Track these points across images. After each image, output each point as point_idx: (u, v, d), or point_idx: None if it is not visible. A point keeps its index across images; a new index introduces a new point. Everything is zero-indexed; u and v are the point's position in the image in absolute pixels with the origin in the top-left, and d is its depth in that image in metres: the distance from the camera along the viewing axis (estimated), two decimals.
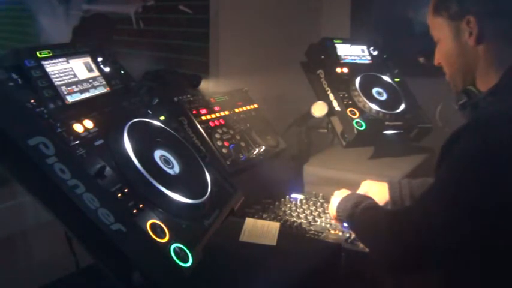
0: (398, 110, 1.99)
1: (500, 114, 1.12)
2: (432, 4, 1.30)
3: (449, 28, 1.25)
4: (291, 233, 1.52)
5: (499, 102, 1.16)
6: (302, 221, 1.63)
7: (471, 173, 1.08)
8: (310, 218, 1.64)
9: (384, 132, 1.95)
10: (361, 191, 1.60)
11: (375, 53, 2.24)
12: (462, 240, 1.10)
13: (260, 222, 1.50)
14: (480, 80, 1.24)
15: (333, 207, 1.51)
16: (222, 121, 1.68)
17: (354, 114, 1.89)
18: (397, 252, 1.15)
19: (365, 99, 1.93)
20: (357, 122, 1.86)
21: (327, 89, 1.96)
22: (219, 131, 1.64)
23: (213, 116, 1.68)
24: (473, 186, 1.07)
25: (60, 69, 1.10)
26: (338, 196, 1.52)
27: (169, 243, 0.97)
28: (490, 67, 1.21)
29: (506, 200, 1.06)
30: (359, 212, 1.35)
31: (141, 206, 0.98)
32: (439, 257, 1.14)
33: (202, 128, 1.59)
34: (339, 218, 1.49)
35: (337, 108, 1.92)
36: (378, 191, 1.55)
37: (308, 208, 1.72)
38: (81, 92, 1.12)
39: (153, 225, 0.97)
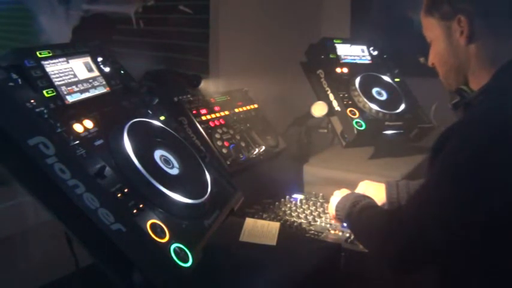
0: (398, 110, 1.99)
1: (490, 112, 1.13)
2: (424, 5, 1.30)
3: (440, 28, 1.25)
4: (291, 233, 1.52)
5: (490, 101, 1.17)
6: (302, 221, 1.63)
7: (463, 171, 1.08)
8: (310, 218, 1.64)
9: (384, 132, 1.95)
10: (358, 191, 1.60)
11: (375, 53, 2.23)
12: (456, 238, 1.10)
13: (260, 222, 1.50)
14: (472, 80, 1.24)
15: (332, 207, 1.51)
16: (222, 121, 1.68)
17: (354, 114, 1.89)
18: (394, 251, 1.16)
19: (365, 99, 1.93)
20: (357, 122, 1.86)
21: (327, 89, 1.96)
22: (219, 131, 1.64)
23: (213, 116, 1.68)
24: (465, 185, 1.07)
25: (60, 69, 1.10)
26: (338, 196, 1.52)
27: (169, 243, 0.97)
28: (482, 66, 1.21)
29: (500, 198, 1.06)
30: (356, 212, 1.35)
31: (141, 206, 0.98)
32: (435, 255, 1.15)
33: (202, 128, 1.59)
34: (338, 218, 1.49)
35: (337, 108, 1.92)
36: (375, 192, 1.55)
37: (308, 208, 1.72)
38: (81, 92, 1.12)
39: (153, 225, 0.97)
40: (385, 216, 1.26)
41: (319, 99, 1.96)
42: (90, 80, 1.17)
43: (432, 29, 1.28)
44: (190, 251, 0.99)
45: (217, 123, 1.66)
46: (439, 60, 1.29)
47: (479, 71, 1.22)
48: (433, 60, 1.32)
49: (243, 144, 1.68)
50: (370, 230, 1.28)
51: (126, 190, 0.98)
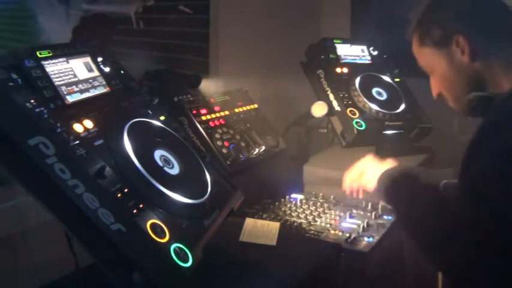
0: (398, 110, 1.99)
1: None
2: (416, 38, 1.29)
3: (439, 55, 1.24)
4: (291, 233, 1.52)
5: None
6: (302, 221, 1.63)
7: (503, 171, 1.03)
8: (310, 218, 1.64)
9: (384, 132, 1.95)
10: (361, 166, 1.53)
11: (375, 53, 2.24)
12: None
13: (260, 222, 1.50)
14: (494, 85, 1.21)
15: (371, 175, 1.40)
16: (222, 121, 1.68)
17: (354, 114, 1.89)
18: (452, 256, 1.06)
19: (365, 99, 1.93)
20: (357, 122, 1.86)
21: (327, 89, 1.97)
22: (219, 131, 1.64)
23: (213, 116, 1.68)
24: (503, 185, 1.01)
25: (60, 69, 1.10)
26: (373, 162, 1.44)
27: (169, 243, 0.97)
28: (500, 76, 1.19)
29: None
30: (416, 187, 1.24)
31: (141, 206, 0.98)
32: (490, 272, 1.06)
33: (202, 128, 1.59)
34: (381, 188, 1.35)
35: (337, 108, 1.92)
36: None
37: (308, 208, 1.72)
38: (81, 92, 1.12)
39: (153, 225, 0.97)
40: (448, 218, 1.10)
41: (319, 99, 1.96)
42: (90, 80, 1.17)
43: (430, 58, 1.26)
44: (190, 251, 0.99)
45: (217, 123, 1.66)
46: (447, 86, 1.27)
47: (498, 80, 1.20)
48: (439, 89, 1.29)
49: (243, 144, 1.68)
50: (426, 225, 1.14)
51: (126, 190, 0.98)
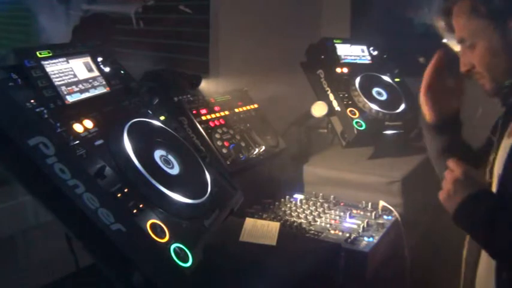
0: (398, 110, 1.99)
1: None
2: (466, 5, 1.23)
3: (492, 28, 1.19)
4: (291, 233, 1.52)
5: None
6: (302, 221, 1.63)
7: None
8: (310, 218, 1.64)
9: (384, 132, 1.95)
10: None
11: (375, 53, 2.23)
12: None
13: (260, 222, 1.50)
14: None
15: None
16: (222, 121, 1.68)
17: (354, 114, 1.89)
18: None
19: (365, 99, 1.93)
20: (357, 122, 1.86)
21: (327, 89, 1.97)
22: (219, 131, 1.64)
23: (213, 116, 1.68)
24: None
25: (60, 69, 1.10)
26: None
27: (169, 243, 0.97)
28: None
29: None
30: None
31: (141, 206, 0.98)
32: None
33: (202, 128, 1.59)
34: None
35: (337, 108, 1.92)
36: None
37: (308, 208, 1.72)
38: (81, 92, 1.12)
39: (153, 225, 0.97)
40: None
41: (319, 99, 1.96)
42: (90, 80, 1.17)
43: (479, 30, 1.21)
44: (190, 251, 0.99)
45: (217, 123, 1.66)
46: (491, 63, 1.21)
47: None
48: (473, 63, 1.24)
49: (243, 144, 1.68)
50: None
51: (126, 190, 0.98)
